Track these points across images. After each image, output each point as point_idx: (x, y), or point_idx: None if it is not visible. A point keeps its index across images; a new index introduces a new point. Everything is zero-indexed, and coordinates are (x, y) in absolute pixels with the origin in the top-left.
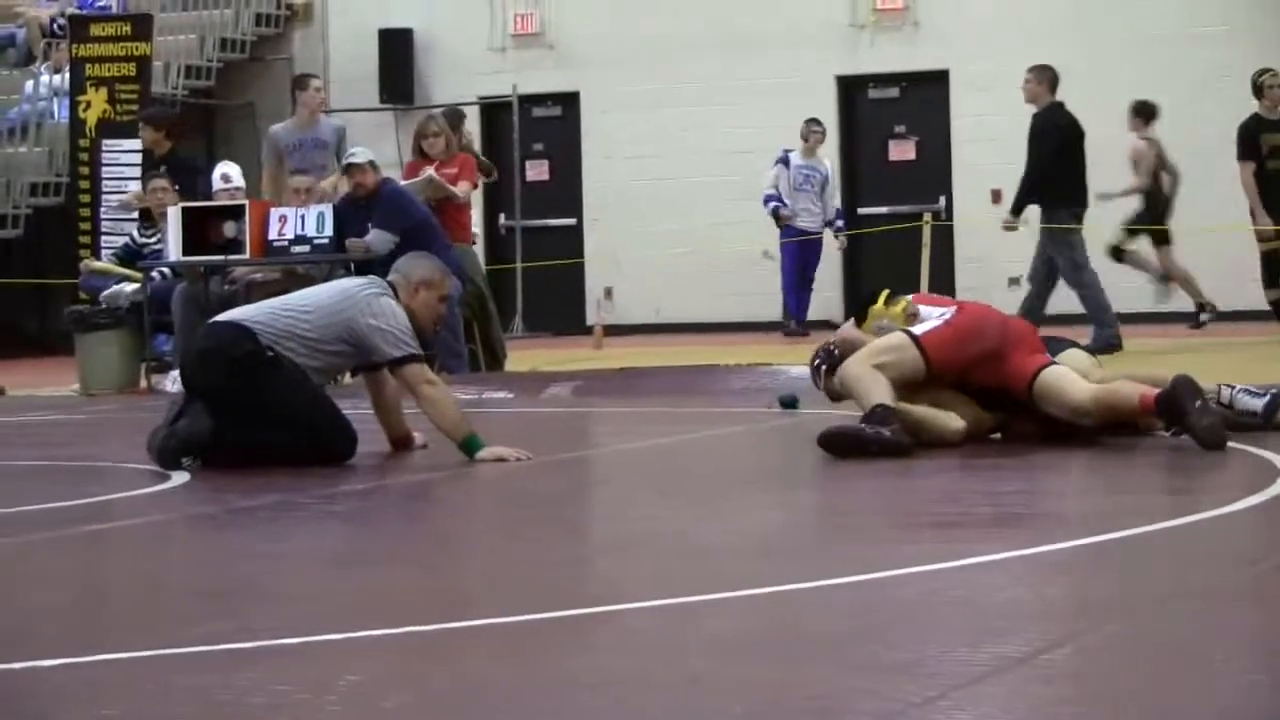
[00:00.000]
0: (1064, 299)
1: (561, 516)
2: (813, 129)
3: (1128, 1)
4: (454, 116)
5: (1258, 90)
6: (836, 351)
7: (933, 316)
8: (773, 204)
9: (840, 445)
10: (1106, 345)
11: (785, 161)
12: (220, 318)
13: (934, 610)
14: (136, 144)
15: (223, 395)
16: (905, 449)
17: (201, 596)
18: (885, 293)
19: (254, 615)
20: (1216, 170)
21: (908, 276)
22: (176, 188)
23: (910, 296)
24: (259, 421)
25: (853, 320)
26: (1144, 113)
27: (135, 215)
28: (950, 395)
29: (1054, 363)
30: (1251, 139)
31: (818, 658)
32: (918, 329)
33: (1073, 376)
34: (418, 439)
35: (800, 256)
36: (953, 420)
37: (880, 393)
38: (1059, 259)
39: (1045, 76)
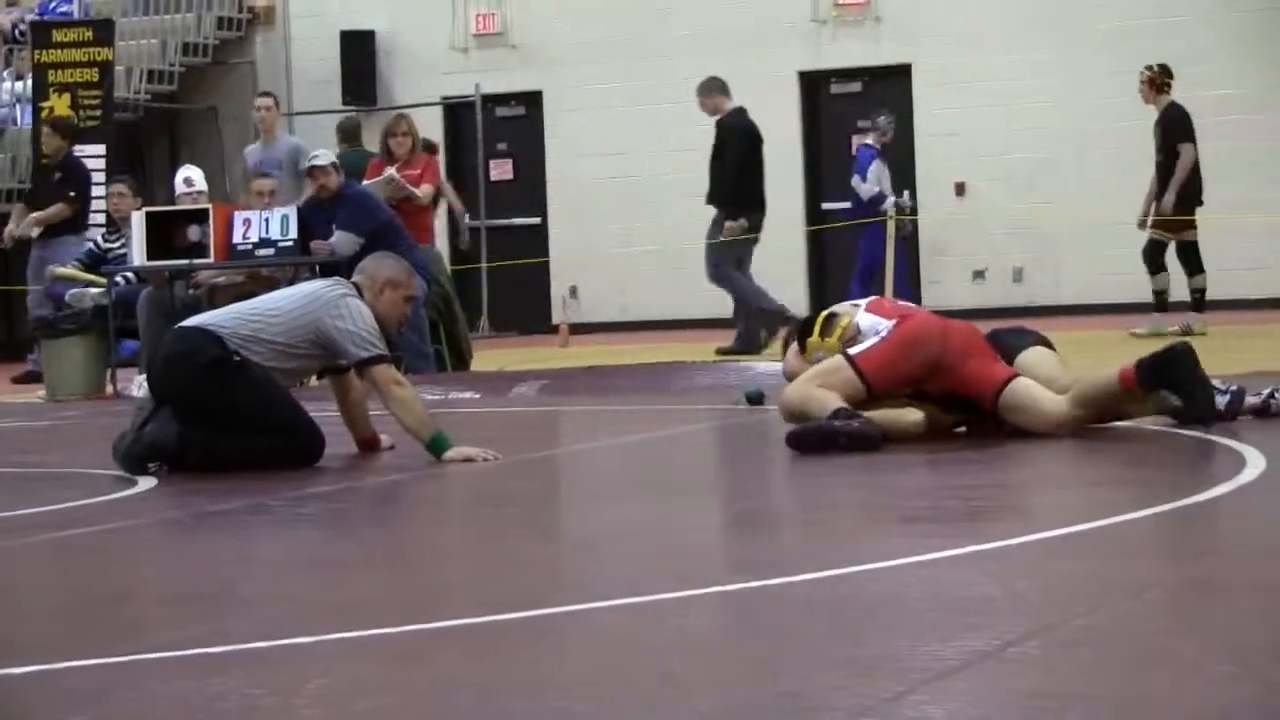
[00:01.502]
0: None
1: (531, 516)
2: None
3: None
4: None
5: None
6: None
7: (872, 333)
8: (890, 201)
9: (809, 442)
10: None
11: (882, 155)
12: (186, 323)
13: (904, 605)
14: (100, 149)
15: (189, 401)
16: (875, 439)
17: (172, 602)
18: (821, 319)
19: (225, 619)
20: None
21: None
22: (71, 194)
23: (861, 305)
24: (226, 426)
25: (795, 348)
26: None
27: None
28: (904, 403)
29: (1017, 375)
30: (1190, 122)
31: (789, 654)
32: (853, 349)
33: (1039, 389)
34: (384, 440)
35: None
36: (909, 414)
37: (834, 400)
38: (718, 256)
39: (714, 86)
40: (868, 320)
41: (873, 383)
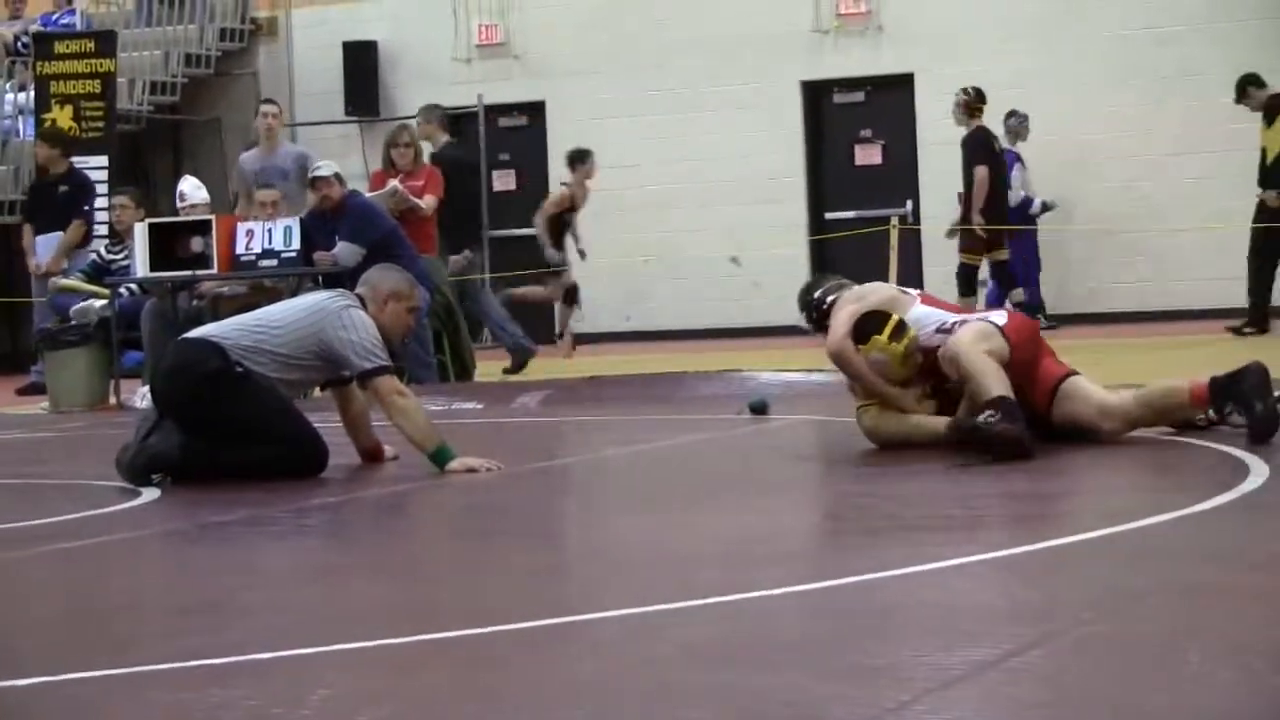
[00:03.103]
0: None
1: (532, 527)
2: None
3: (1090, 3)
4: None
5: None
6: (827, 304)
7: (930, 323)
8: (1037, 202)
9: (965, 439)
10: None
11: (1020, 159)
12: (189, 334)
13: (907, 614)
14: (103, 160)
15: (191, 411)
16: (1027, 450)
17: (175, 613)
18: (894, 323)
19: (228, 630)
20: (1178, 170)
21: (875, 281)
22: (86, 209)
23: (915, 296)
24: (229, 437)
25: (849, 335)
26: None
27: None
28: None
29: (1075, 372)
30: (988, 145)
31: (791, 664)
32: (998, 319)
33: (1095, 384)
34: (388, 451)
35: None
36: (938, 420)
37: (1000, 383)
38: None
39: (434, 116)
40: (922, 310)
41: (1016, 353)
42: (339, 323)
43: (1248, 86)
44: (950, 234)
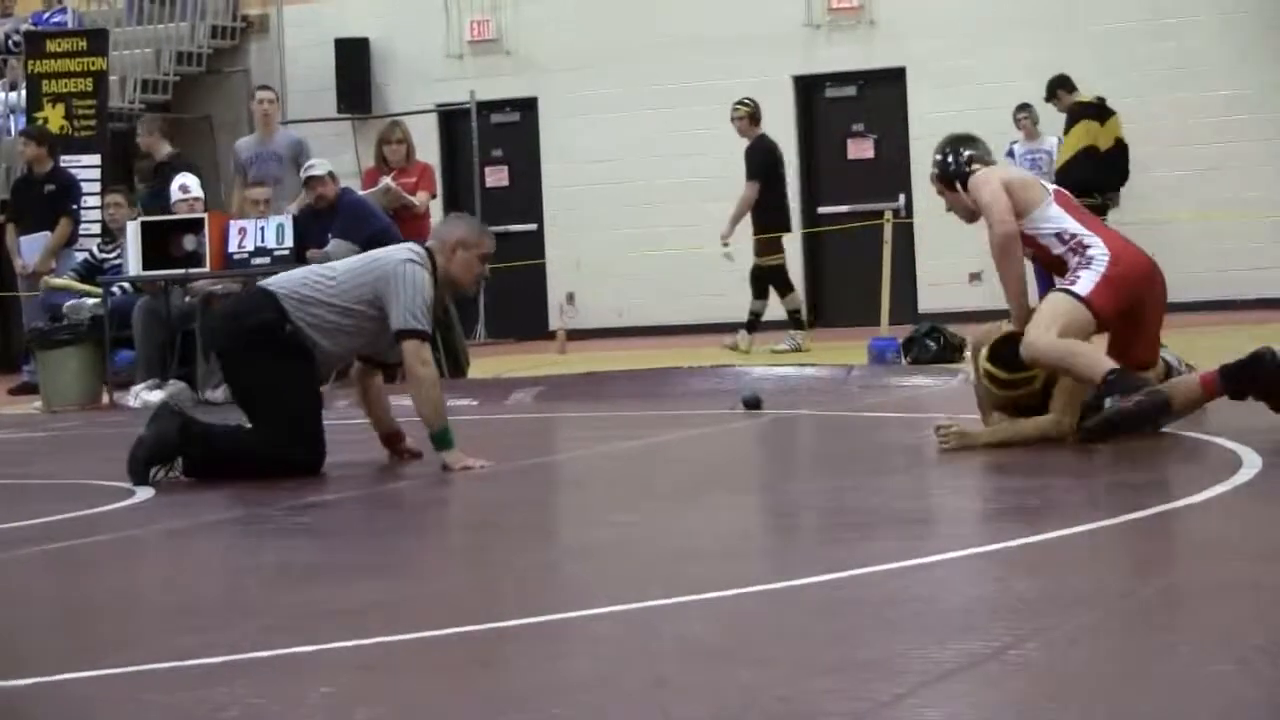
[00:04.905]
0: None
1: (527, 523)
2: (1019, 116)
3: None
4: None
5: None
6: (968, 169)
7: (1058, 230)
8: None
9: (1114, 431)
10: None
11: (1011, 154)
12: (261, 283)
13: (900, 608)
14: (95, 159)
15: (232, 358)
16: (1166, 405)
17: (173, 612)
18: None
19: (226, 630)
20: (1174, 163)
21: (869, 275)
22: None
23: (1052, 195)
24: (247, 395)
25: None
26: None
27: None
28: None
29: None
30: (771, 159)
31: (785, 659)
32: (1079, 288)
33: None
34: (409, 443)
35: None
36: (1042, 420)
37: (1100, 358)
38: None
39: (155, 126)
40: (1055, 211)
41: (1103, 319)
42: (399, 274)
43: (1058, 90)
44: (727, 252)
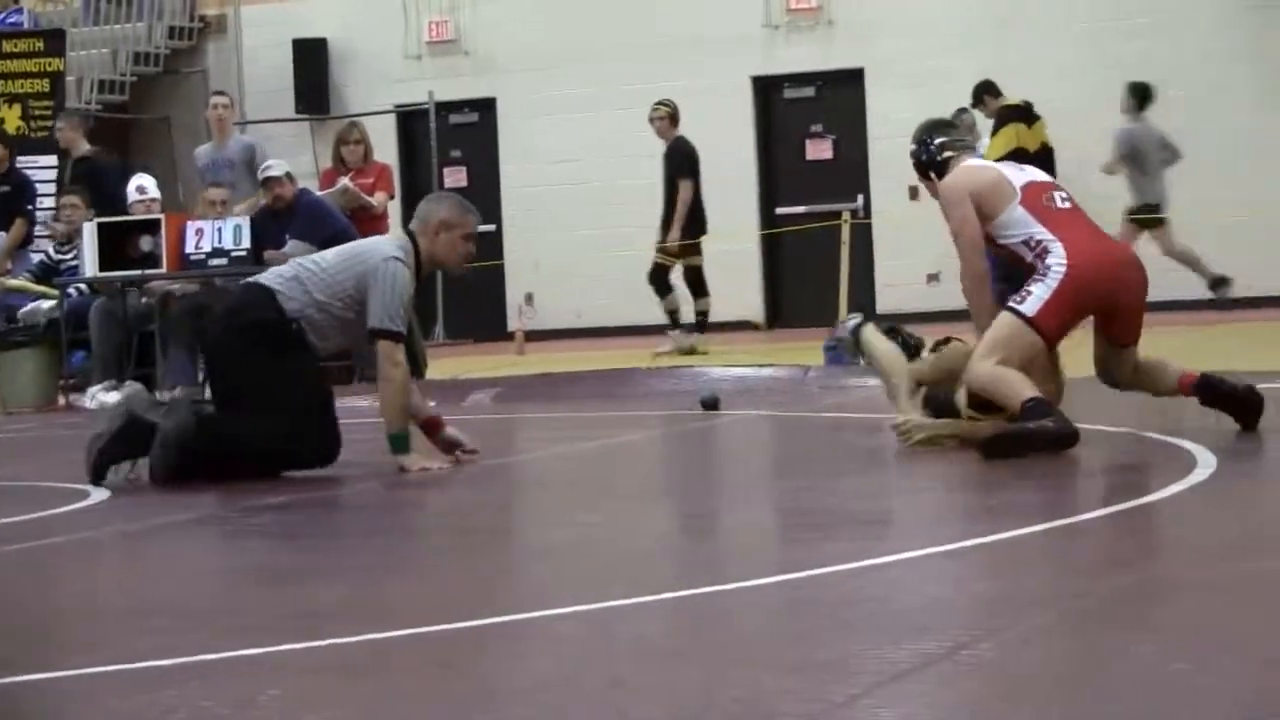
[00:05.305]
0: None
1: (485, 524)
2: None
3: None
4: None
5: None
6: (941, 157)
7: (1021, 228)
8: None
9: (1006, 450)
10: None
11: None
12: (256, 278)
13: (855, 609)
14: (52, 160)
15: (232, 354)
16: (1072, 437)
17: (126, 614)
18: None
19: (176, 632)
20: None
21: (827, 276)
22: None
23: (1019, 196)
24: (253, 391)
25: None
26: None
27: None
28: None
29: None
30: (695, 159)
31: (741, 659)
32: (1026, 307)
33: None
34: (466, 442)
35: None
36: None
37: (1024, 385)
38: None
39: (75, 121)
40: (1019, 215)
41: (1051, 339)
42: (378, 272)
43: (984, 95)
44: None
